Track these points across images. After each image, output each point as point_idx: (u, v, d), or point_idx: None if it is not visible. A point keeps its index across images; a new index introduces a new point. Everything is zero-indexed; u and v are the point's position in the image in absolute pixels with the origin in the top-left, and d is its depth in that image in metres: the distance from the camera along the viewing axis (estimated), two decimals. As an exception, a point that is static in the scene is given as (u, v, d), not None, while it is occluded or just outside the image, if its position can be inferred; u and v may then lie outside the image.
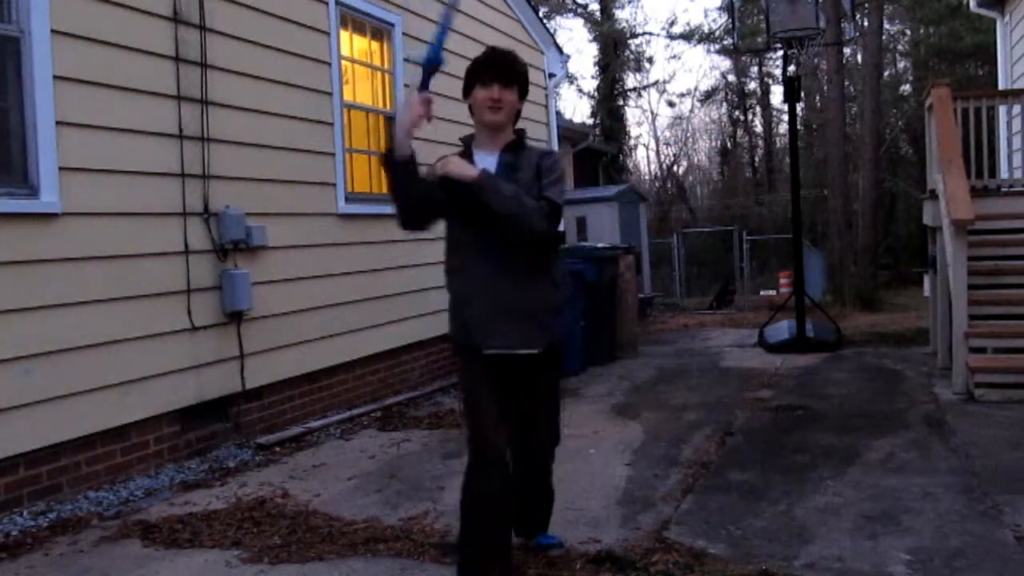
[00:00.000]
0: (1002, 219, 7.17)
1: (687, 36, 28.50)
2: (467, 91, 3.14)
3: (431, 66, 2.95)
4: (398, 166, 2.95)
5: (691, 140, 33.48)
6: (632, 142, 31.03)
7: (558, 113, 11.96)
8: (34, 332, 4.15)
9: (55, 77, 4.25)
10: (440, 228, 3.23)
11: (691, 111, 33.38)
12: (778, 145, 30.53)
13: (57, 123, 4.26)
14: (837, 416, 5.82)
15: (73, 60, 4.36)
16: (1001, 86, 10.55)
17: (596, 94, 26.89)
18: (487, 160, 3.08)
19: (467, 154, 3.11)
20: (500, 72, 3.07)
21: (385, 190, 7.16)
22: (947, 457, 4.71)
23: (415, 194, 3.01)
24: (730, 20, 12.29)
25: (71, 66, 4.35)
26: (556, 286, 3.15)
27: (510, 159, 3.08)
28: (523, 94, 3.14)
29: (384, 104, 7.22)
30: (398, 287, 7.04)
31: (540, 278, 3.07)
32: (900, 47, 27.11)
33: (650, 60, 30.44)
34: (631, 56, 28.48)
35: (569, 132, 15.36)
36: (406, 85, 2.80)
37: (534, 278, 3.05)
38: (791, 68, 9.84)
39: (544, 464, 3.38)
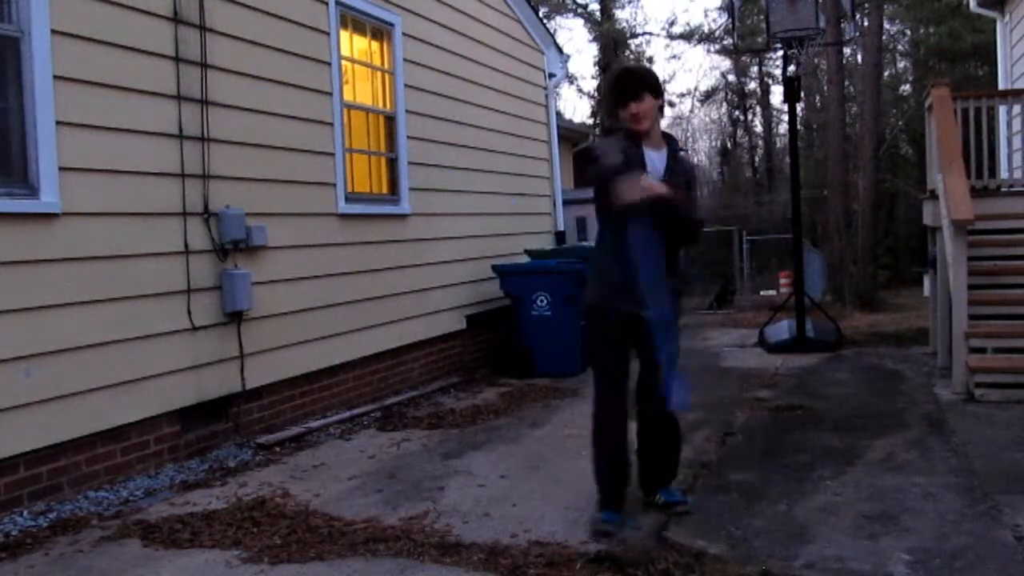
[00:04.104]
0: (1002, 219, 7.17)
1: (687, 36, 28.55)
2: (611, 112, 3.81)
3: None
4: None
5: (691, 140, 33.49)
6: (632, 142, 30.95)
7: (558, 113, 11.96)
8: (34, 332, 4.15)
9: (55, 77, 4.25)
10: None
11: (691, 111, 33.40)
12: (778, 145, 30.55)
13: (57, 123, 4.26)
14: (837, 416, 5.82)
15: (73, 60, 4.36)
16: (1001, 86, 10.55)
17: (596, 94, 26.91)
18: (656, 156, 3.74)
19: (637, 147, 3.71)
20: (629, 93, 3.66)
21: (385, 190, 7.20)
22: (947, 457, 4.71)
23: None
24: (730, 20, 12.29)
25: (71, 66, 4.34)
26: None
27: (672, 163, 3.75)
28: (656, 95, 3.71)
29: (384, 104, 7.22)
30: (398, 287, 7.04)
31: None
32: (900, 47, 27.12)
33: (650, 60, 30.40)
34: (631, 56, 28.48)
35: (569, 132, 15.34)
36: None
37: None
38: (791, 68, 9.83)
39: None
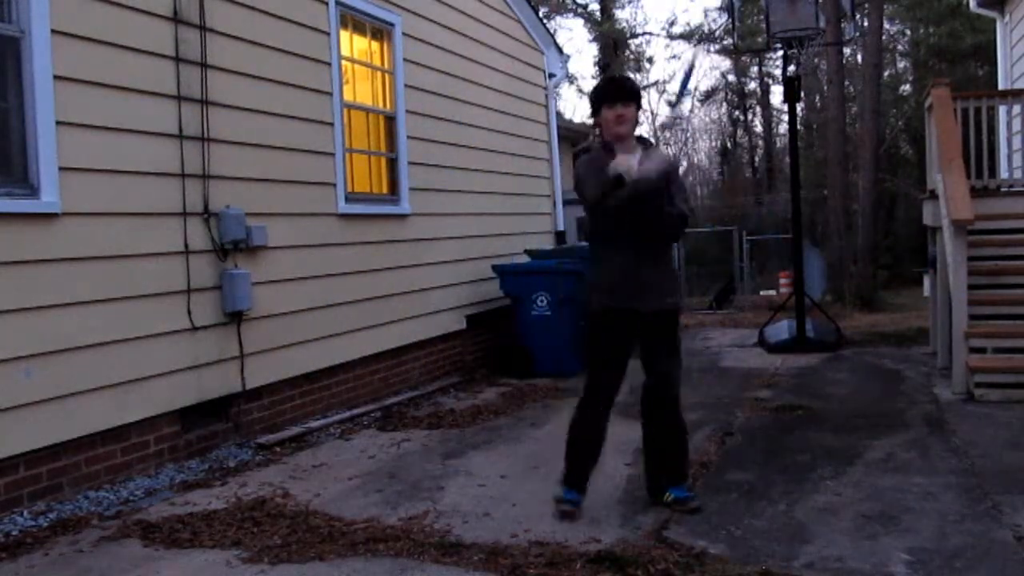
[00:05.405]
0: (1002, 219, 7.17)
1: (687, 36, 28.57)
2: (596, 111, 3.99)
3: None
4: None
5: (691, 140, 33.51)
6: (632, 142, 30.99)
7: (558, 113, 11.95)
8: (34, 332, 4.15)
9: (55, 77, 4.25)
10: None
11: (691, 111, 33.41)
12: (778, 145, 30.56)
13: (57, 123, 4.26)
14: (837, 416, 5.82)
15: (73, 60, 4.35)
16: (1001, 86, 10.55)
17: (596, 94, 26.84)
18: (630, 160, 3.78)
19: (612, 154, 3.82)
20: (621, 96, 3.92)
21: (385, 190, 7.20)
22: (947, 457, 4.71)
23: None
24: (730, 20, 12.29)
25: (71, 66, 4.34)
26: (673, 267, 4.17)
27: (645, 157, 3.80)
28: (639, 107, 4.02)
29: (384, 104, 7.22)
30: (398, 287, 7.04)
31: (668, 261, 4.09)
32: (900, 47, 27.15)
33: (650, 60, 30.51)
34: (631, 56, 28.51)
35: (569, 132, 15.35)
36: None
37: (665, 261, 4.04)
38: (791, 68, 9.84)
39: (671, 387, 4.06)
